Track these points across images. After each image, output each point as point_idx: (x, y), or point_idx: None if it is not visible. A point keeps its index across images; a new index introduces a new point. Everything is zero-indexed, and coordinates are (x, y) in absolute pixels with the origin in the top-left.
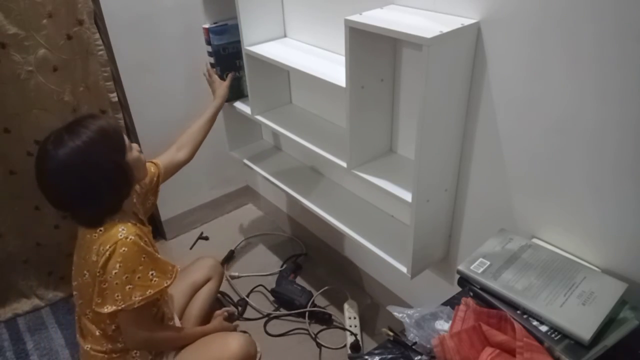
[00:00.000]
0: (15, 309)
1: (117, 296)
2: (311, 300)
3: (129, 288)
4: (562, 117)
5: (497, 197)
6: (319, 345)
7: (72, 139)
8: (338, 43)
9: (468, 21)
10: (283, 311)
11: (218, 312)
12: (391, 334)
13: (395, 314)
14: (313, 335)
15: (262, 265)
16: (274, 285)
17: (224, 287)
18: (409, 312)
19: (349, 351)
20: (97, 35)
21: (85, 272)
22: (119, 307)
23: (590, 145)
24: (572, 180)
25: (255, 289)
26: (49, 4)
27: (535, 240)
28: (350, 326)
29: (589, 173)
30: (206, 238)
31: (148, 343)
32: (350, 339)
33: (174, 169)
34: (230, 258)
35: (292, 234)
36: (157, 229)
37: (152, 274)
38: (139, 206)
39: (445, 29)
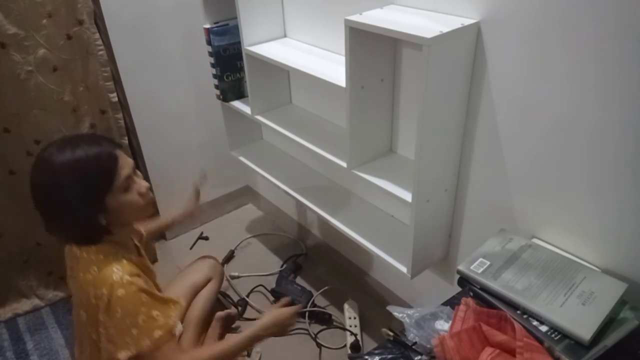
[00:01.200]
0: (15, 309)
1: (128, 339)
2: (311, 300)
3: (136, 332)
4: (562, 117)
5: (497, 197)
6: (319, 345)
7: (69, 151)
8: (338, 43)
9: (468, 21)
10: None
11: (220, 313)
12: (391, 334)
13: (395, 314)
14: (313, 335)
15: (262, 265)
16: (274, 285)
17: (224, 287)
18: (409, 312)
19: (349, 351)
20: (97, 35)
21: (82, 312)
22: (133, 353)
23: (591, 145)
24: (572, 180)
25: (255, 289)
26: (48, 4)
27: (535, 240)
28: (350, 326)
29: (589, 173)
30: (206, 238)
31: None
32: (350, 339)
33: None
34: (230, 258)
35: (292, 234)
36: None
37: (156, 315)
38: (139, 238)
39: (445, 29)
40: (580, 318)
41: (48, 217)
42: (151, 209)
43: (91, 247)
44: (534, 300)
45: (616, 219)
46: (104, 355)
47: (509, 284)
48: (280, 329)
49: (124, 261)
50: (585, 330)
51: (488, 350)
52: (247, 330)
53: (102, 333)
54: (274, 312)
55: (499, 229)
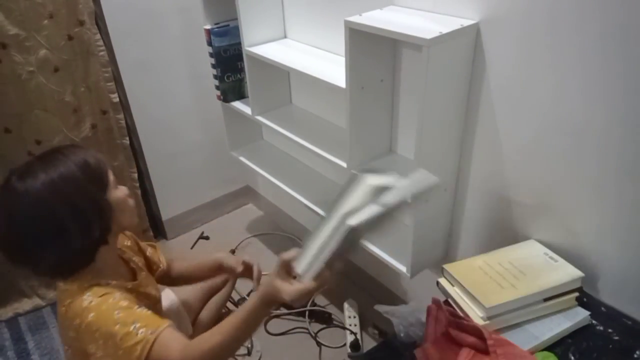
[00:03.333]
0: (16, 308)
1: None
2: (311, 300)
3: (121, 354)
4: (562, 118)
5: (496, 197)
6: (319, 344)
7: (44, 169)
8: (338, 44)
9: (467, 22)
10: (283, 310)
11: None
12: (376, 331)
13: (384, 312)
14: (313, 334)
15: (262, 265)
16: None
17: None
18: (397, 310)
19: (349, 350)
20: (98, 36)
21: (66, 347)
22: None
23: (591, 145)
24: (572, 180)
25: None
26: (49, 4)
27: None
28: (350, 325)
29: (588, 172)
30: (207, 238)
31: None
32: (350, 338)
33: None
34: None
35: (292, 234)
36: (158, 228)
37: (134, 328)
38: (134, 255)
39: (445, 30)
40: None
41: (44, 243)
42: (136, 215)
43: (68, 278)
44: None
45: (616, 218)
46: None
47: None
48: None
49: (96, 288)
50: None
51: (465, 351)
52: (245, 307)
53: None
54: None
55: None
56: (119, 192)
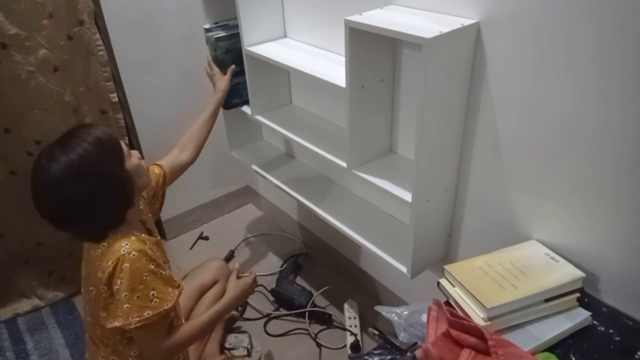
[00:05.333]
0: (15, 308)
1: (119, 312)
2: (311, 300)
3: (127, 307)
4: (561, 117)
5: (496, 197)
6: (319, 345)
7: (65, 153)
8: (338, 43)
9: (468, 21)
10: (283, 311)
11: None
12: (377, 332)
13: (384, 313)
14: (313, 335)
15: (262, 265)
16: (274, 285)
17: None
18: (397, 311)
19: (349, 351)
20: (98, 36)
21: (91, 288)
22: (119, 324)
23: (591, 146)
24: (572, 181)
25: (255, 289)
26: (49, 4)
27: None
28: (350, 326)
29: (589, 173)
30: (206, 238)
31: (171, 351)
32: (350, 339)
33: (179, 171)
34: (230, 258)
35: (292, 234)
36: (157, 228)
37: (152, 294)
38: (147, 213)
39: (445, 29)
40: None
41: (78, 216)
42: (149, 174)
43: (104, 239)
44: None
45: (616, 219)
46: (98, 320)
47: None
48: (245, 297)
49: (133, 237)
50: None
51: (466, 352)
52: (218, 304)
53: (99, 301)
54: (238, 284)
55: None
56: (134, 159)
